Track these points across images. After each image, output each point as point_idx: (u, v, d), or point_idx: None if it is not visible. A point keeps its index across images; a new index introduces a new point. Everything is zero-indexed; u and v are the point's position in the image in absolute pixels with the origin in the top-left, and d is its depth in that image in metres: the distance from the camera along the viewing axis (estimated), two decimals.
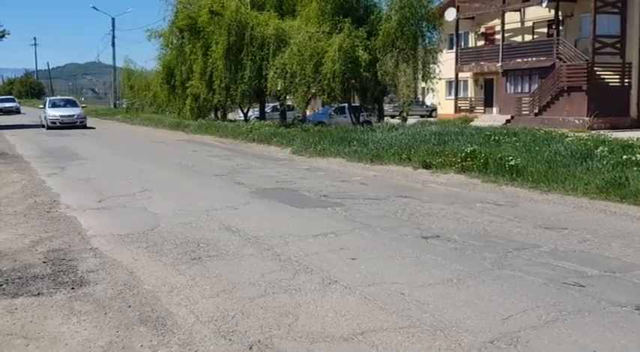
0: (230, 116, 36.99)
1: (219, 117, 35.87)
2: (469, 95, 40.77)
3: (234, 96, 29.74)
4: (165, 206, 10.12)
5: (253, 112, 36.00)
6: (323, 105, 35.29)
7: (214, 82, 29.92)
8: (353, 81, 25.16)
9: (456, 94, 40.77)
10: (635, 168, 11.59)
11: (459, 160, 13.94)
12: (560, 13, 33.20)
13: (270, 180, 13.53)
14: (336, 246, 7.37)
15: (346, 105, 29.59)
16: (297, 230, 8.22)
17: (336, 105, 31.76)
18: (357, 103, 30.14)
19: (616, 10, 31.15)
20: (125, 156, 19.53)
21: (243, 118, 34.17)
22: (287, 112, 30.90)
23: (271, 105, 36.23)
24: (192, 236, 7.92)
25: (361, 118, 28.71)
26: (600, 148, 13.79)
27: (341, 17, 25.34)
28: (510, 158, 13.23)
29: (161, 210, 9.77)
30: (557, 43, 32.42)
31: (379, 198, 10.82)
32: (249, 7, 28.74)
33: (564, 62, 31.68)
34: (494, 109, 37.77)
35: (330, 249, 7.23)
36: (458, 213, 9.38)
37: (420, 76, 26.32)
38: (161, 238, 7.83)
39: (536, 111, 32.72)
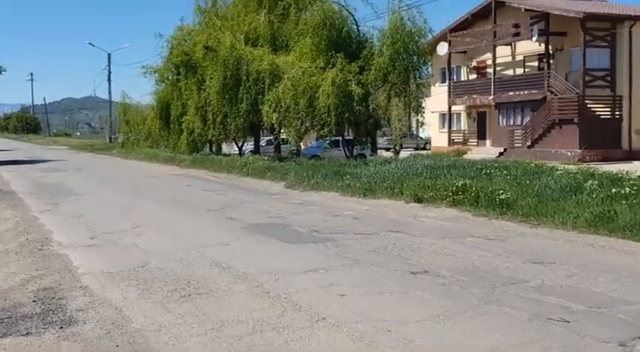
0: (225, 150, 37.20)
1: (214, 151, 36.04)
2: (462, 128, 41.07)
3: (229, 130, 29.96)
4: (156, 242, 10.17)
5: (248, 146, 36.22)
6: (317, 139, 35.53)
7: (209, 116, 30.16)
8: (346, 114, 25.41)
9: (449, 127, 41.08)
10: (623, 202, 11.68)
11: (451, 194, 14.04)
12: (550, 47, 33.67)
13: (263, 215, 13.60)
14: (325, 282, 7.41)
15: (340, 138, 29.81)
16: (288, 266, 8.27)
17: (330, 139, 32.00)
18: (350, 137, 30.37)
19: (605, 44, 31.61)
20: (119, 191, 19.58)
21: (237, 152, 34.35)
22: (281, 146, 31.09)
23: (266, 138, 36.45)
24: (182, 273, 7.96)
25: (355, 151, 28.89)
26: (590, 182, 13.91)
27: (334, 52, 25.72)
28: (501, 192, 13.33)
29: (152, 246, 9.81)
30: (548, 77, 32.82)
31: (370, 233, 10.89)
32: (243, 43, 29.11)
33: (555, 95, 32.04)
34: (488, 142, 38.02)
35: (319, 285, 7.28)
36: (448, 248, 9.44)
37: (412, 110, 26.59)
38: (151, 275, 7.87)
39: (529, 143, 32.97)
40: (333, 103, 24.47)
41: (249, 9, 30.90)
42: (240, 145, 35.24)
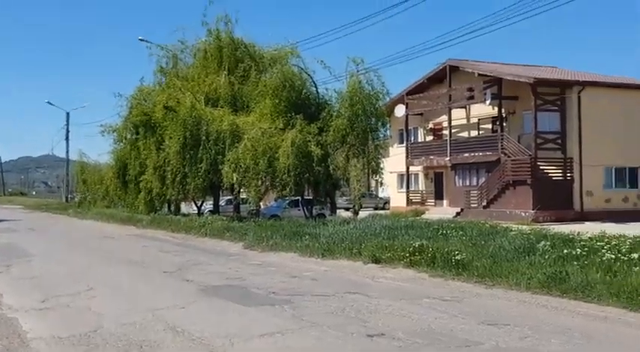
0: (184, 209, 36.92)
1: (173, 211, 35.75)
2: (420, 188, 41.69)
3: (188, 190, 29.82)
4: (110, 305, 9.99)
5: (207, 205, 36.03)
6: (277, 199, 35.59)
7: (168, 175, 30.03)
8: (306, 175, 25.65)
9: (408, 187, 41.69)
10: (575, 263, 11.93)
11: (408, 254, 14.17)
12: (503, 110, 34.78)
13: (220, 276, 13.48)
14: (281, 346, 7.37)
15: (299, 198, 29.93)
16: (244, 330, 8.19)
17: (289, 199, 32.08)
18: (310, 196, 30.54)
19: (555, 108, 32.77)
20: (74, 252, 19.22)
21: (196, 212, 34.12)
22: (241, 205, 31.03)
23: (225, 198, 36.36)
24: (135, 337, 7.82)
25: (314, 211, 29.00)
26: (542, 242, 14.19)
27: (294, 114, 26.10)
28: (457, 252, 13.51)
29: (106, 309, 9.63)
30: (502, 139, 33.76)
31: (328, 295, 10.87)
32: (203, 103, 29.34)
33: (509, 157, 32.90)
34: (445, 202, 38.63)
35: (275, 349, 7.22)
36: (404, 310, 9.48)
37: (370, 170, 26.98)
38: (103, 340, 7.71)
39: (485, 204, 33.60)
40: (292, 164, 24.71)
41: (209, 70, 31.30)
42: (199, 205, 35.05)
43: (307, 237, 18.78)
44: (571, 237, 15.11)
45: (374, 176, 28.17)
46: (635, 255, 11.86)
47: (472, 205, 34.34)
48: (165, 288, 12.04)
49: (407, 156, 40.82)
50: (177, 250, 19.79)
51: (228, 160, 26.04)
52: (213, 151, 27.56)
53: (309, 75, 28.40)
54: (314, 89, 28.85)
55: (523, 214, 30.51)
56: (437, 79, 38.90)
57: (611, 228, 18.78)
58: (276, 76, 27.19)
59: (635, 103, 33.48)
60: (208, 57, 31.79)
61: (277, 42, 30.61)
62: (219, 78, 30.36)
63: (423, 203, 40.07)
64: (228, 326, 8.38)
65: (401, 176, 42.54)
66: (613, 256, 12.00)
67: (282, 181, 25.41)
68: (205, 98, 29.93)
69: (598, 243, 13.49)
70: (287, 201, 33.07)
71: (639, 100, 33.84)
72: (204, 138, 27.86)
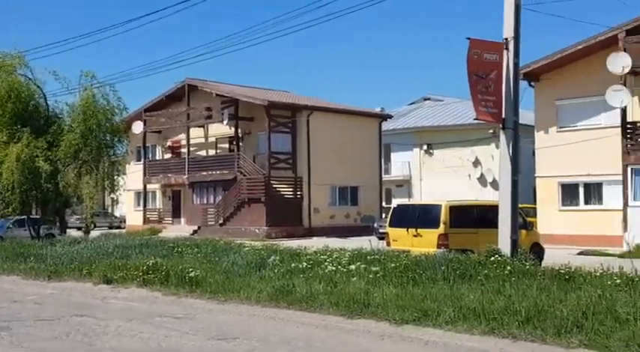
0: None
1: None
2: (158, 206, 41.26)
3: None
4: None
5: None
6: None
7: None
8: (33, 192, 24.17)
9: (145, 205, 41.01)
10: (301, 276, 12.74)
11: (141, 273, 13.98)
12: (240, 130, 35.95)
13: None
14: None
15: (26, 217, 27.77)
16: None
17: (14, 218, 29.60)
18: (37, 215, 28.49)
19: (287, 130, 34.78)
20: None
21: None
22: None
23: None
24: None
25: (42, 231, 27.11)
26: (272, 257, 14.91)
27: (20, 126, 24.30)
28: (191, 269, 13.65)
29: None
30: (238, 158, 34.88)
31: (53, 319, 10.29)
32: None
33: (245, 176, 34.07)
34: (183, 220, 38.69)
35: None
36: (134, 330, 9.34)
37: (104, 188, 26.07)
38: None
39: (221, 221, 34.36)
40: (17, 180, 23.11)
41: None
42: None
43: (32, 258, 17.75)
44: (298, 251, 16.05)
45: (110, 193, 27.22)
46: (353, 267, 12.98)
47: (209, 223, 34.89)
48: None
49: (144, 174, 40.23)
50: None
51: None
52: None
53: (38, 86, 26.52)
54: (43, 101, 27.00)
55: (257, 231, 31.74)
56: (176, 97, 38.99)
57: (335, 242, 20.30)
58: (1, 85, 25.02)
59: (355, 128, 36.73)
60: None
61: (3, 49, 28.13)
62: None
63: (160, 221, 39.71)
64: None
65: (138, 194, 41.73)
66: (334, 268, 13.02)
67: (6, 199, 23.67)
68: None
69: (322, 256, 14.48)
70: (11, 221, 30.48)
71: (358, 125, 37.23)
72: None
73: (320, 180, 34.61)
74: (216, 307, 11.43)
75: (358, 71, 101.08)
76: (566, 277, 10.96)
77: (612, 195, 23.73)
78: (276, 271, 13.50)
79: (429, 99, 50.93)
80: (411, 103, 52.10)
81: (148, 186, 40.81)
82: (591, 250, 21.12)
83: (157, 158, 41.74)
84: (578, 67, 24.39)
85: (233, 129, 35.86)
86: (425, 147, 42.09)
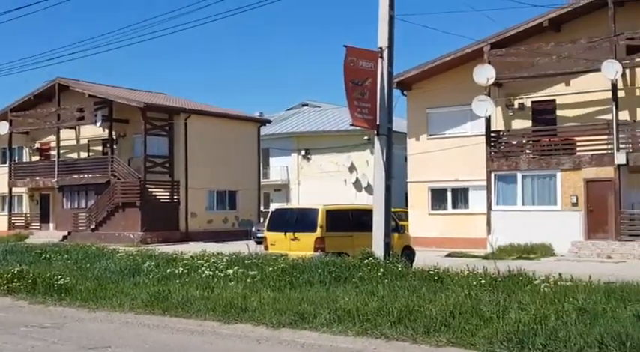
0: None
1: None
2: (25, 211, 39.24)
3: None
4: None
5: None
6: None
7: None
8: None
9: (10, 210, 38.79)
10: (177, 281, 12.55)
11: (6, 281, 13.32)
12: (114, 132, 34.80)
13: None
14: None
15: None
16: None
17: None
18: None
19: (164, 133, 34.07)
20: None
21: None
22: None
23: None
24: None
25: None
26: (147, 263, 14.58)
27: None
28: (60, 277, 13.09)
29: None
30: (112, 161, 33.77)
31: None
32: None
33: (119, 179, 33.03)
34: (52, 225, 36.98)
35: None
36: None
37: None
38: None
39: (93, 226, 33.15)
40: None
41: None
42: None
43: None
44: (175, 256, 15.81)
45: None
46: (231, 271, 12.94)
47: (80, 228, 33.57)
48: None
49: (10, 177, 38.17)
50: None
51: None
52: None
53: None
54: None
55: (132, 236, 30.87)
56: (46, 96, 37.21)
57: (212, 247, 20.12)
58: None
59: (233, 132, 36.65)
60: None
61: None
62: None
63: (27, 227, 37.74)
64: None
65: (3, 198, 39.48)
66: (211, 273, 12.93)
67: None
68: None
69: (199, 261, 14.35)
70: None
71: (237, 129, 37.18)
72: None
73: (197, 184, 34.17)
74: (87, 315, 11.02)
75: (238, 73, 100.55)
76: (436, 278, 11.45)
77: (477, 200, 25.10)
78: (151, 277, 13.21)
79: (306, 105, 51.71)
80: (290, 109, 52.67)
81: (14, 190, 38.69)
82: (458, 252, 22.24)
83: (25, 160, 39.70)
84: (447, 77, 25.60)
85: (107, 131, 34.68)
86: (303, 152, 42.62)
